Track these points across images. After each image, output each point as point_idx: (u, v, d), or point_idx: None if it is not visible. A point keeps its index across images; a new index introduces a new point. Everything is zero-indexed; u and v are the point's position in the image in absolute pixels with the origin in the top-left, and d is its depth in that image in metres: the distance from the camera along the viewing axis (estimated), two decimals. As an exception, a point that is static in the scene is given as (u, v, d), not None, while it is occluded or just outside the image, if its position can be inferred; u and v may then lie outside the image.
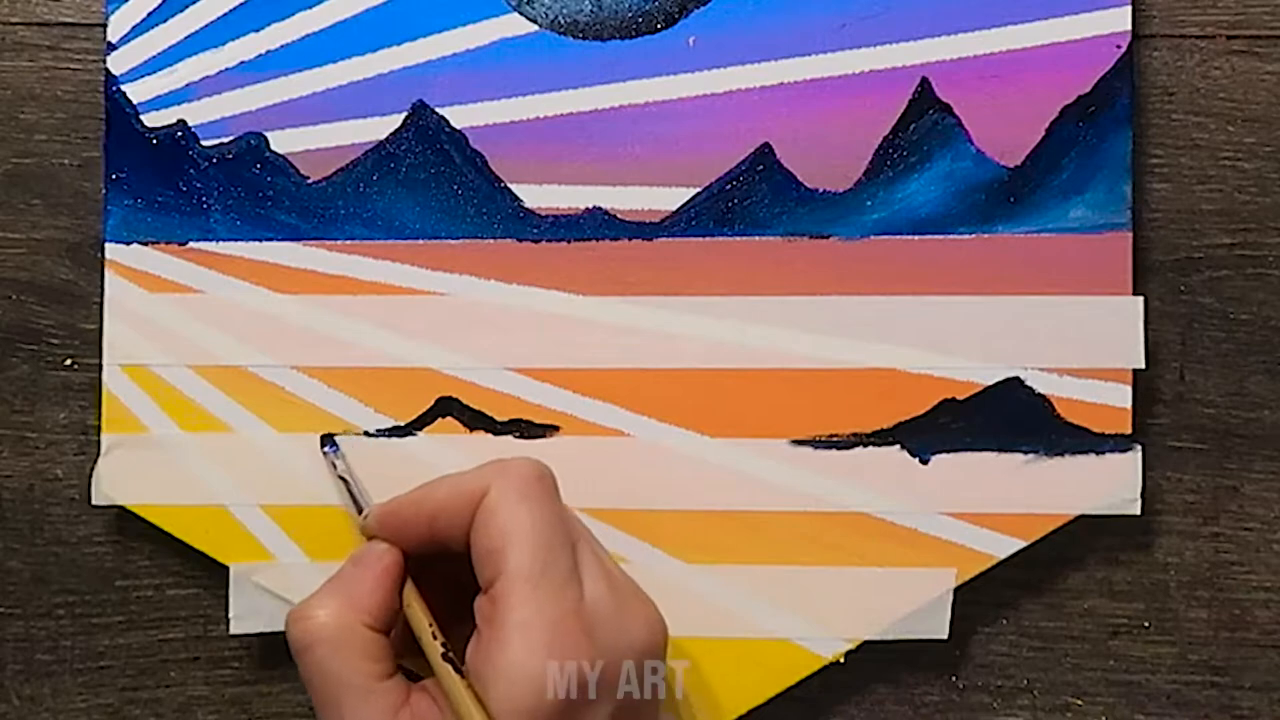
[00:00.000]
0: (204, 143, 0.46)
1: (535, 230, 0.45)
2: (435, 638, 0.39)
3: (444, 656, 0.38)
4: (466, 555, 0.39)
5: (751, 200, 0.45)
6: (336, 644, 0.38)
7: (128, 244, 0.46)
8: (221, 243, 0.46)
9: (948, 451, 0.44)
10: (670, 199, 0.45)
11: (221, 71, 0.46)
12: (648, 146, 0.45)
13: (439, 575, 0.40)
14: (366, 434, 0.45)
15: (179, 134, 0.46)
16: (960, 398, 0.44)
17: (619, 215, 0.45)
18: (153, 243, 0.46)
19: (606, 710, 0.37)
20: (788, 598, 0.44)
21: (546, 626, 0.36)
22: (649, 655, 0.39)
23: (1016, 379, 0.44)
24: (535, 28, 0.45)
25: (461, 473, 0.39)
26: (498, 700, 0.36)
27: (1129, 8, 0.44)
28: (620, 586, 0.39)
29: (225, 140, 0.46)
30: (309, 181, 0.46)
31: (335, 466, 0.44)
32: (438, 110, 0.45)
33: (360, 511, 0.42)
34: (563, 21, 0.45)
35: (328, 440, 0.45)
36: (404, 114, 0.45)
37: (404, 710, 0.38)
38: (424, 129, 0.45)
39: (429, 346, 0.45)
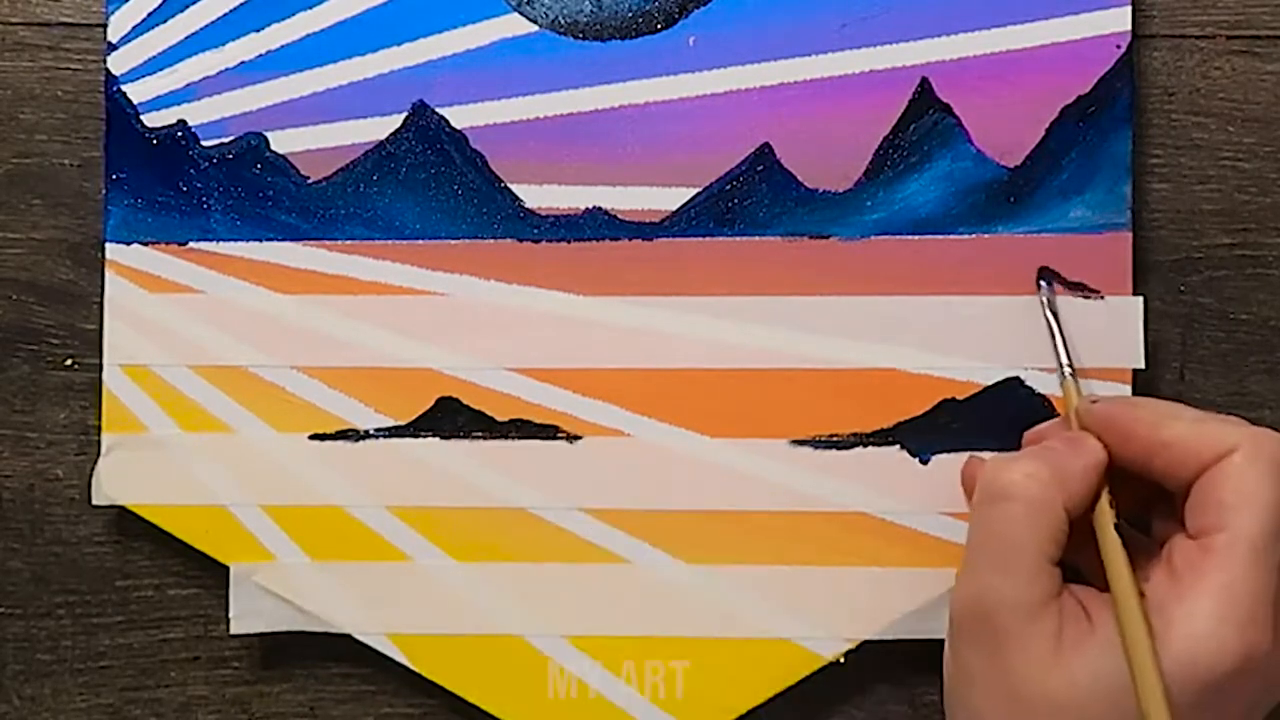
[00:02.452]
0: (204, 143, 0.46)
1: (535, 230, 0.45)
2: (1125, 555, 0.37)
3: (1130, 578, 0.37)
4: (1141, 483, 0.38)
5: (751, 200, 0.45)
6: (1034, 508, 0.38)
7: (128, 244, 0.46)
8: (221, 243, 0.46)
9: (948, 451, 0.44)
10: (670, 199, 0.45)
11: (222, 71, 0.46)
12: (648, 146, 0.45)
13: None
14: (368, 434, 0.45)
15: (179, 134, 0.46)
16: (960, 398, 0.44)
17: (619, 215, 0.45)
18: (153, 243, 0.46)
19: (1241, 706, 0.36)
20: (788, 598, 0.44)
21: (1252, 601, 0.35)
22: None
23: (1016, 379, 0.44)
24: (535, 28, 0.45)
25: (1199, 415, 0.39)
26: (1175, 644, 0.35)
27: (1129, 8, 0.44)
28: None
29: (225, 140, 0.46)
30: (309, 181, 0.46)
31: (1048, 308, 0.43)
32: (438, 110, 0.45)
33: (1064, 360, 0.42)
34: (563, 21, 0.45)
35: (1045, 275, 0.44)
36: (404, 114, 0.45)
37: (1055, 603, 0.37)
38: (424, 129, 0.45)
39: (429, 346, 0.45)
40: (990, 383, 0.44)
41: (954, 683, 0.39)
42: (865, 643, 0.44)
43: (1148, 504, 0.41)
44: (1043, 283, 0.44)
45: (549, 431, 0.45)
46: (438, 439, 0.45)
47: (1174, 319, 0.45)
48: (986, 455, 0.43)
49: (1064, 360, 0.43)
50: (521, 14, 0.45)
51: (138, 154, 0.46)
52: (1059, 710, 0.36)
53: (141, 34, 0.46)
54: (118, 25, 0.46)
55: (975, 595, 0.38)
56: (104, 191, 0.46)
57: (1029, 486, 0.38)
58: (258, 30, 0.46)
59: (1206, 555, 0.36)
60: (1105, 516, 0.39)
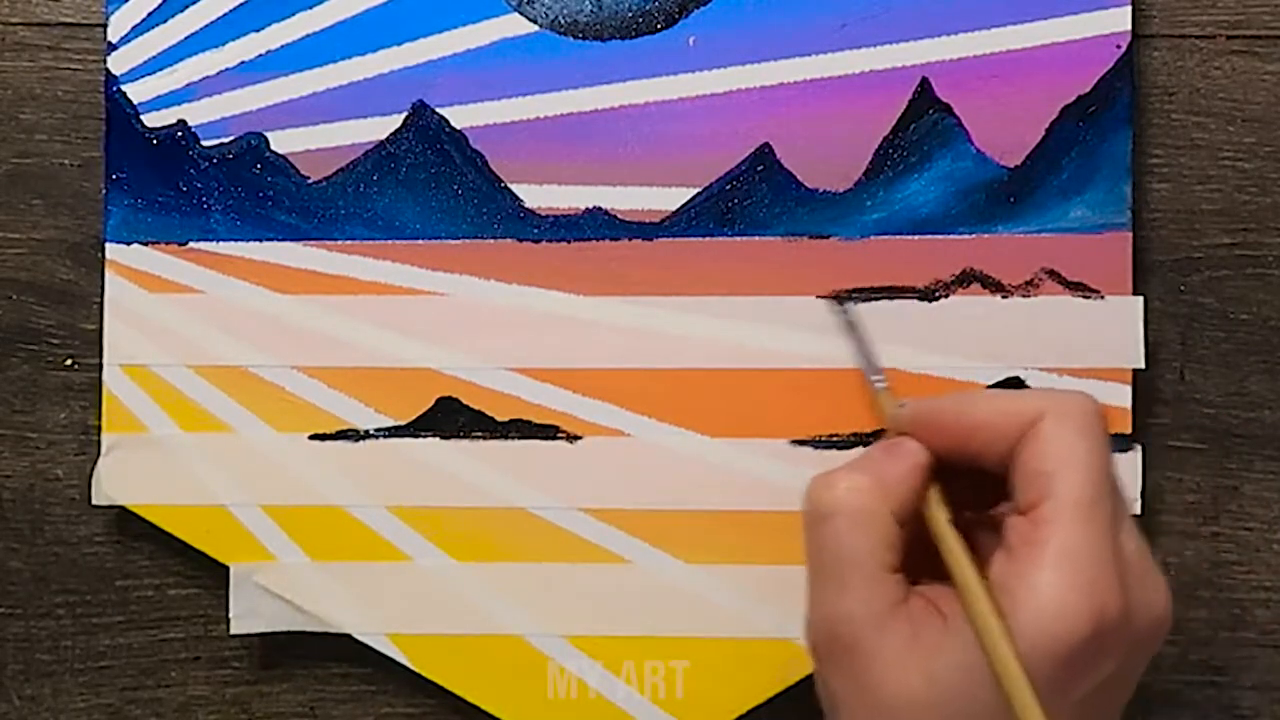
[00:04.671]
0: (204, 143, 0.46)
1: (535, 230, 0.45)
2: (962, 545, 0.37)
3: (970, 566, 0.36)
4: (972, 474, 0.38)
5: (751, 200, 0.45)
6: (859, 520, 0.37)
7: (128, 244, 0.46)
8: (221, 243, 0.46)
9: (948, 451, 0.44)
10: (670, 199, 0.45)
11: (222, 71, 0.46)
12: (648, 146, 0.45)
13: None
14: (368, 433, 0.45)
15: (179, 134, 0.46)
16: (960, 398, 0.44)
17: (619, 215, 0.45)
18: (153, 243, 0.46)
19: (1108, 669, 0.35)
20: (788, 598, 0.44)
21: (1090, 562, 0.35)
22: (1159, 632, 0.37)
23: (1016, 379, 0.44)
24: (535, 28, 0.45)
25: (1003, 393, 0.39)
26: (1024, 621, 0.34)
27: (1129, 8, 0.44)
28: (1146, 552, 0.37)
29: (225, 140, 0.46)
30: (309, 181, 0.46)
31: (849, 322, 0.43)
32: (438, 110, 0.45)
33: (872, 373, 0.41)
34: (563, 21, 0.45)
35: (840, 297, 0.44)
36: (404, 114, 0.45)
37: (902, 608, 0.37)
38: (424, 129, 0.45)
39: (429, 346, 0.45)
40: (990, 383, 0.44)
41: (827, 713, 0.39)
42: (865, 643, 0.44)
43: (997, 493, 0.40)
44: (839, 302, 0.44)
45: (549, 431, 0.45)
46: (438, 439, 0.45)
47: (1174, 319, 0.45)
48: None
49: (872, 372, 0.42)
50: (521, 14, 0.45)
51: (138, 154, 0.46)
52: (924, 711, 0.35)
53: (141, 34, 0.46)
54: (118, 25, 0.46)
55: (822, 618, 0.38)
56: (104, 191, 0.46)
57: (851, 499, 0.37)
58: (258, 30, 0.46)
59: (1037, 527, 0.36)
60: (937, 513, 0.38)
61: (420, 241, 0.45)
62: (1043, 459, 0.36)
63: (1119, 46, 0.44)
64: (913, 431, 0.39)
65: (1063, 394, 0.38)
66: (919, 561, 0.38)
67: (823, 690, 0.39)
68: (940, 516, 0.38)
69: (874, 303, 0.44)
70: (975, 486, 0.39)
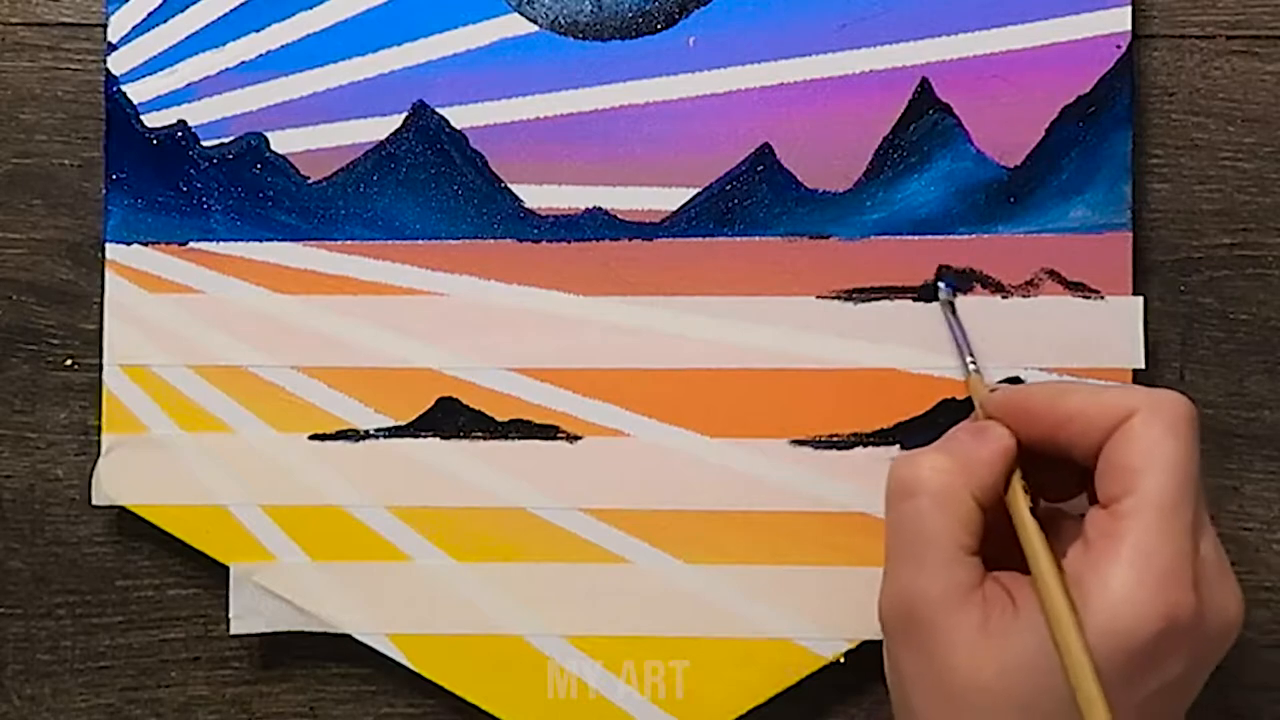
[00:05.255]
0: (204, 143, 0.46)
1: (535, 230, 0.45)
2: (1041, 533, 0.37)
3: (1047, 555, 0.37)
4: (1057, 465, 0.38)
5: (751, 200, 0.45)
6: (942, 500, 0.37)
7: (128, 244, 0.46)
8: (221, 243, 0.46)
9: (948, 451, 0.44)
10: (670, 199, 0.45)
11: (222, 71, 0.46)
12: (648, 146, 0.45)
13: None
14: (368, 433, 0.45)
15: (179, 134, 0.46)
16: (960, 398, 0.44)
17: (619, 215, 0.45)
18: (153, 243, 0.46)
19: (1176, 669, 0.35)
20: (788, 598, 0.44)
21: (1167, 561, 0.35)
22: (1229, 637, 0.37)
23: (1016, 379, 0.44)
24: (535, 28, 0.45)
25: (1098, 386, 0.39)
26: (1094, 614, 0.35)
27: (1129, 8, 0.44)
28: (1223, 557, 0.37)
29: (225, 140, 0.46)
30: (309, 181, 0.46)
31: (948, 303, 0.43)
32: (438, 110, 0.45)
33: (966, 356, 0.42)
34: (563, 21, 0.45)
35: (944, 276, 0.44)
36: (404, 114, 0.45)
37: (978, 591, 0.37)
38: (424, 129, 0.45)
39: (429, 346, 0.45)
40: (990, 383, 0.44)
41: (894, 688, 0.39)
42: (865, 643, 0.44)
43: (1079, 485, 0.40)
44: (941, 284, 0.44)
45: (549, 431, 0.45)
46: (438, 439, 0.45)
47: (1174, 319, 0.45)
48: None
49: (967, 356, 0.42)
50: (521, 14, 0.45)
51: (138, 154, 0.46)
52: (992, 697, 0.36)
53: (141, 34, 0.46)
54: (118, 25, 0.46)
55: (897, 594, 0.38)
56: (104, 191, 0.46)
57: (934, 479, 0.38)
58: (258, 30, 0.46)
59: (1116, 521, 0.36)
60: (1019, 499, 0.38)
61: (420, 241, 0.45)
62: (1130, 454, 0.36)
63: (1119, 46, 0.44)
64: (1002, 417, 0.39)
65: (1159, 393, 0.38)
66: (998, 549, 0.38)
67: (891, 667, 0.39)
68: (1021, 503, 0.38)
69: (874, 303, 0.44)
70: (1060, 479, 0.39)
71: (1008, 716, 0.36)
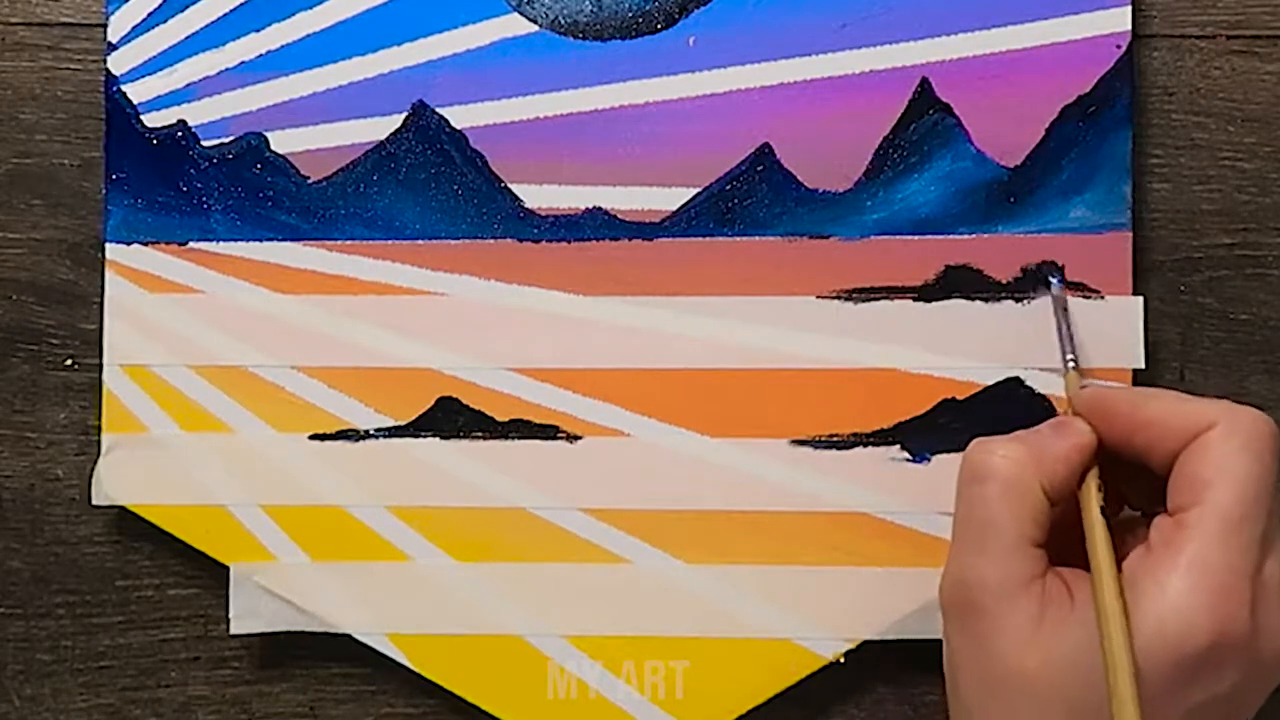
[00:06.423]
0: (204, 143, 0.46)
1: (535, 230, 0.45)
2: (1107, 533, 0.37)
3: (1107, 554, 0.37)
4: (1138, 472, 0.38)
5: (751, 200, 0.45)
6: (1010, 488, 0.38)
7: (128, 244, 0.46)
8: (221, 243, 0.46)
9: (948, 451, 0.44)
10: (670, 199, 0.45)
11: (222, 71, 0.46)
12: (648, 146, 0.45)
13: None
14: (368, 433, 0.45)
15: (179, 134, 0.46)
16: (960, 398, 0.44)
17: (619, 215, 0.45)
18: (153, 243, 0.46)
19: (1224, 685, 0.35)
20: (788, 598, 0.44)
21: (1223, 575, 0.35)
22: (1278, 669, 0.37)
23: (1016, 379, 0.44)
24: (535, 28, 0.45)
25: (1181, 395, 0.39)
26: (1146, 617, 0.35)
27: (1129, 8, 0.44)
28: None
29: (225, 140, 0.46)
30: (309, 181, 0.46)
31: (1058, 297, 0.43)
32: (438, 110, 0.45)
33: (1067, 351, 0.42)
34: (563, 21, 0.45)
35: (1053, 269, 0.44)
36: (404, 114, 0.45)
37: (1038, 583, 0.37)
38: (424, 129, 0.45)
39: (429, 346, 0.45)
40: (990, 383, 0.44)
41: (947, 670, 0.39)
42: (865, 643, 0.44)
43: (1164, 498, 0.40)
44: (1053, 280, 0.44)
45: (549, 431, 0.45)
46: (438, 439, 0.45)
47: (1174, 319, 0.45)
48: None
49: (1069, 353, 0.43)
50: (521, 14, 0.45)
51: (138, 154, 0.46)
52: (1032, 687, 0.36)
53: (141, 34, 0.46)
54: (118, 25, 0.46)
55: (956, 576, 0.38)
56: (104, 191, 0.46)
57: (1005, 467, 0.38)
58: (258, 30, 0.46)
59: (1180, 530, 0.36)
60: (1091, 496, 0.38)
61: (420, 241, 0.45)
62: (1203, 465, 0.36)
63: (1119, 46, 0.44)
64: (1086, 414, 0.40)
65: (1241, 409, 0.38)
66: (1066, 545, 0.38)
67: (946, 648, 0.39)
68: (1093, 499, 0.38)
69: (874, 303, 0.44)
70: (1139, 485, 0.39)
71: (1050, 709, 0.36)
